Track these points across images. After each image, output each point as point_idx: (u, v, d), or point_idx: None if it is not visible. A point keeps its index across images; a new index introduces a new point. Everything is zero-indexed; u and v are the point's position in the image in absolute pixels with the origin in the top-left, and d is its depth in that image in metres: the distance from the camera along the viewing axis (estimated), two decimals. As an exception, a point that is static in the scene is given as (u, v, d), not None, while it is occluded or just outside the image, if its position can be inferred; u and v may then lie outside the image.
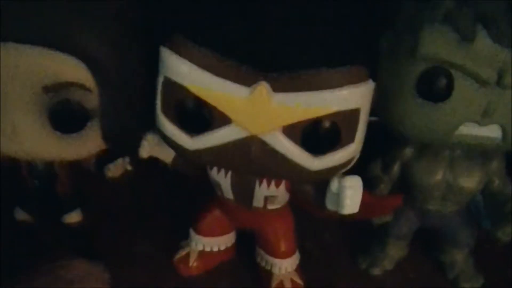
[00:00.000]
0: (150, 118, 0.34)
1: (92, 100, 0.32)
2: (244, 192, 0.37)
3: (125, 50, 0.32)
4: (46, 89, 0.30)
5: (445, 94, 0.34)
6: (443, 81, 0.34)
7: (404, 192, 0.41)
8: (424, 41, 0.33)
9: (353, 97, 0.30)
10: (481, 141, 0.36)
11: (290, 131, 0.30)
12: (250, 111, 0.30)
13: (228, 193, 0.38)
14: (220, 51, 0.29)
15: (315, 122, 0.30)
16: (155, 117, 0.33)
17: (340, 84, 0.30)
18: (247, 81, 0.29)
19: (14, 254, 0.41)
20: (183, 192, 0.51)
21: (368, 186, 0.36)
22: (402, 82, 0.35)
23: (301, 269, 0.44)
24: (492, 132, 0.35)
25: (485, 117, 0.34)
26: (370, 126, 0.34)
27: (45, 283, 0.37)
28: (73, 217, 0.43)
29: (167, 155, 0.38)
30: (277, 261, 0.42)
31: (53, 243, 0.43)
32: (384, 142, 0.42)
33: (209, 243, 0.43)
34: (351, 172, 0.34)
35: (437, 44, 0.33)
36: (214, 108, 0.30)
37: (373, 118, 0.35)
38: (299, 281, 0.43)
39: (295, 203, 0.41)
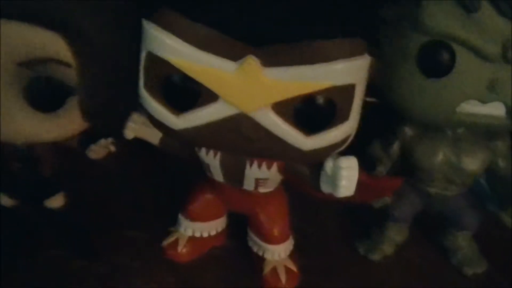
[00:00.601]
0: (137, 97, 0.33)
1: (71, 75, 0.31)
2: (234, 174, 0.36)
3: (110, 24, 0.31)
4: (22, 65, 0.29)
5: (446, 69, 0.34)
6: (444, 55, 0.34)
7: (406, 175, 0.41)
8: (428, 13, 0.33)
9: (348, 71, 0.29)
10: (484, 120, 0.36)
11: (281, 108, 0.29)
12: (238, 86, 0.29)
13: (218, 175, 0.37)
14: (206, 23, 0.28)
15: (308, 99, 0.29)
16: (139, 95, 0.32)
17: (334, 57, 0.28)
18: (235, 55, 0.28)
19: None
20: (172, 173, 0.51)
21: (367, 167, 0.36)
22: (404, 54, 0.35)
23: (296, 255, 0.42)
24: (496, 110, 0.36)
25: (488, 93, 0.34)
26: (368, 107, 0.33)
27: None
28: (56, 201, 0.42)
29: (154, 136, 0.37)
30: (270, 246, 0.41)
31: (37, 228, 0.42)
32: (383, 123, 0.41)
33: (199, 228, 0.42)
34: (347, 153, 0.33)
35: (441, 16, 0.33)
36: (201, 84, 0.29)
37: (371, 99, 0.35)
38: (293, 267, 0.41)
39: (291, 185, 0.40)
